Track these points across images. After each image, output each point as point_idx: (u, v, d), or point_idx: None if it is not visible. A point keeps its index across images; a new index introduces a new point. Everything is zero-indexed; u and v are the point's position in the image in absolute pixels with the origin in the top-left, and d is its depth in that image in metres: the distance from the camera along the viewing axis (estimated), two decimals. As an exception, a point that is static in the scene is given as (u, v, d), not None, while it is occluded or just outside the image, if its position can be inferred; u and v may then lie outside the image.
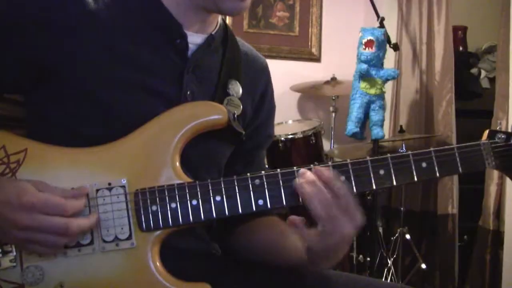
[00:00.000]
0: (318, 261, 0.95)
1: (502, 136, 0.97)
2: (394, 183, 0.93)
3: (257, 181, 0.92)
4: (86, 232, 0.90)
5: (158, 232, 0.91)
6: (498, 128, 0.98)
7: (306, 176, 0.90)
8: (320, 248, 0.91)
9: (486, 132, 0.98)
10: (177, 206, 0.91)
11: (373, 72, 2.70)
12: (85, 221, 0.88)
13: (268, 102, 1.19)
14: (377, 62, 2.70)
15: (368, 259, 2.62)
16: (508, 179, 2.53)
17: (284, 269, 1.09)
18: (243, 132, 1.05)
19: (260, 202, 0.91)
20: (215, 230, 1.14)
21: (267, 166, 2.76)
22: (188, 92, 1.01)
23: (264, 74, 1.20)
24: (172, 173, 0.93)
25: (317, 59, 3.52)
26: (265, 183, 0.91)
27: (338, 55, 3.46)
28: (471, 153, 0.95)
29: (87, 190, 0.90)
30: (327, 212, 0.88)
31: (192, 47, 1.03)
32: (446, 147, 0.95)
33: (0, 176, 0.90)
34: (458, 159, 0.94)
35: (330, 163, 0.92)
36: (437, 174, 0.94)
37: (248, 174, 0.92)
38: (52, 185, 0.89)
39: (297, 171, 0.91)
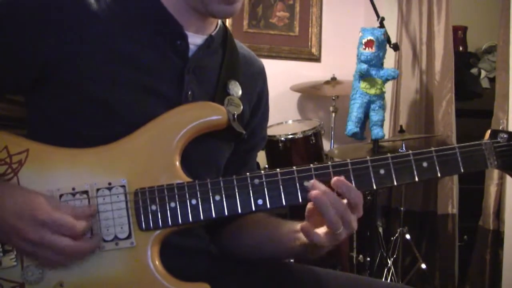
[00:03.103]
0: (316, 253, 0.96)
1: (504, 136, 0.96)
2: (395, 183, 0.92)
3: (256, 181, 0.92)
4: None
5: (157, 232, 0.91)
6: (500, 127, 0.97)
7: (318, 187, 0.90)
8: (327, 245, 0.92)
9: (488, 131, 0.97)
10: (176, 205, 0.91)
11: (373, 72, 2.70)
12: (88, 245, 0.88)
13: (264, 104, 1.20)
14: (377, 62, 2.70)
15: (368, 259, 2.62)
16: (508, 179, 2.55)
17: (284, 269, 1.09)
18: (244, 132, 1.05)
19: (260, 202, 0.91)
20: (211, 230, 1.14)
21: (267, 166, 2.77)
22: (189, 92, 1.01)
23: (261, 77, 1.21)
24: (172, 173, 0.93)
25: (317, 59, 3.52)
26: (265, 182, 0.91)
27: (338, 55, 3.46)
28: (473, 152, 0.95)
29: (95, 209, 0.90)
30: (341, 218, 0.90)
31: (192, 47, 1.03)
32: (448, 146, 0.94)
33: (17, 187, 0.90)
34: (459, 158, 0.94)
35: (330, 162, 0.92)
36: (438, 174, 0.93)
37: (248, 173, 0.92)
38: (54, 185, 0.90)
39: (297, 171, 0.91)
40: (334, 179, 0.91)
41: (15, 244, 0.87)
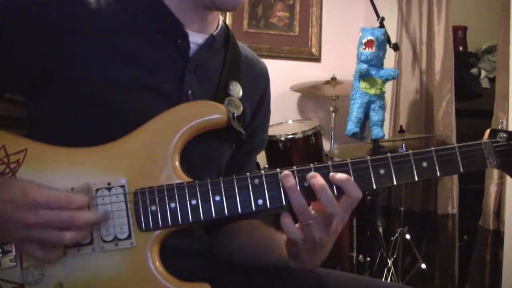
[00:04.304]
0: (305, 258, 0.94)
1: (504, 135, 0.95)
2: (395, 182, 0.92)
3: (256, 181, 0.91)
4: (90, 228, 0.89)
5: (157, 232, 0.91)
6: (499, 127, 0.97)
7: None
8: (299, 239, 0.90)
9: (488, 131, 0.96)
10: (176, 206, 0.91)
11: (373, 72, 2.70)
12: (90, 215, 0.88)
13: (266, 106, 1.20)
14: (377, 62, 2.70)
15: (368, 259, 2.62)
16: (508, 179, 2.55)
17: (284, 269, 1.09)
18: (243, 132, 1.05)
19: (260, 202, 0.91)
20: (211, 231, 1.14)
21: (267, 166, 2.77)
22: (190, 92, 1.01)
23: (264, 78, 1.20)
24: (172, 173, 0.93)
25: (317, 59, 3.52)
26: (265, 183, 0.91)
27: (338, 55, 3.46)
28: (472, 152, 0.94)
29: (90, 186, 0.90)
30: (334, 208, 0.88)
31: (193, 47, 1.03)
32: (447, 146, 0.94)
33: (4, 178, 0.90)
34: (459, 158, 0.94)
35: (330, 162, 0.92)
36: (438, 174, 0.93)
37: (248, 173, 0.92)
38: (52, 185, 0.89)
39: (297, 171, 0.91)
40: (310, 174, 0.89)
41: (11, 234, 0.86)
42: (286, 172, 0.90)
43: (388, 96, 3.11)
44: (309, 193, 0.89)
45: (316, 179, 0.88)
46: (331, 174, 0.90)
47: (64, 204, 0.85)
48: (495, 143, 0.95)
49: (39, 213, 0.84)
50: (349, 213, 0.91)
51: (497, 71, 2.79)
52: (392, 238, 2.90)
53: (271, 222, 1.12)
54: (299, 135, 2.68)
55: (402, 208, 2.90)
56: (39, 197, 0.84)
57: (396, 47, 2.80)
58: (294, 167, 0.91)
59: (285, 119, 3.07)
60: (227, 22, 3.27)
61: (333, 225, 0.89)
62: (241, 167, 1.16)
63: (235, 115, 1.03)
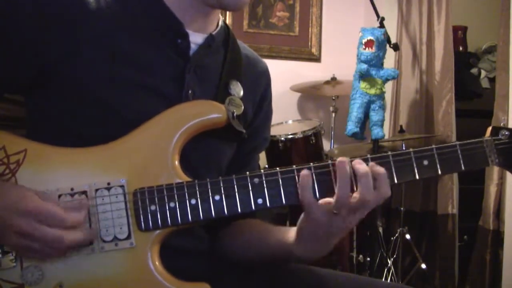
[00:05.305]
0: (309, 247, 0.94)
1: (506, 133, 0.94)
2: (395, 181, 0.92)
3: (256, 180, 0.91)
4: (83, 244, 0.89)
5: (157, 232, 0.91)
6: (501, 124, 0.97)
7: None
8: (321, 231, 0.90)
9: (489, 128, 0.96)
10: (176, 205, 0.91)
11: (373, 72, 2.70)
12: (81, 235, 0.87)
13: (267, 105, 1.20)
14: (377, 62, 2.70)
15: (368, 259, 2.62)
16: (508, 180, 2.55)
17: (284, 269, 1.09)
18: (244, 131, 1.04)
19: (260, 201, 0.91)
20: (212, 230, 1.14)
21: (267, 166, 2.77)
22: (190, 91, 1.01)
23: (265, 77, 1.20)
24: (171, 173, 0.93)
25: (317, 59, 3.53)
26: (264, 182, 0.91)
27: (338, 55, 3.46)
28: (474, 150, 0.94)
29: (88, 203, 0.90)
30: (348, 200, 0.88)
31: (193, 46, 1.03)
32: (448, 144, 0.93)
33: (5, 182, 0.90)
34: (460, 156, 0.93)
35: (330, 161, 0.92)
36: (439, 172, 0.92)
37: (247, 173, 0.92)
38: (52, 186, 0.90)
39: (297, 170, 0.91)
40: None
41: (7, 239, 0.86)
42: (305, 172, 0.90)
43: (388, 96, 3.11)
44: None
45: (362, 165, 0.90)
46: (371, 163, 0.90)
47: (58, 222, 0.85)
48: (497, 140, 0.95)
49: (32, 224, 0.83)
50: (363, 215, 0.91)
51: (497, 71, 2.79)
52: (392, 238, 2.90)
53: (271, 221, 1.12)
54: (299, 135, 2.68)
55: (402, 208, 2.90)
56: (32, 207, 0.84)
57: (396, 47, 2.80)
58: (294, 166, 0.91)
59: (285, 119, 3.07)
60: (227, 22, 3.27)
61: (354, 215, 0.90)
62: (243, 166, 1.15)
63: (235, 114, 1.02)
